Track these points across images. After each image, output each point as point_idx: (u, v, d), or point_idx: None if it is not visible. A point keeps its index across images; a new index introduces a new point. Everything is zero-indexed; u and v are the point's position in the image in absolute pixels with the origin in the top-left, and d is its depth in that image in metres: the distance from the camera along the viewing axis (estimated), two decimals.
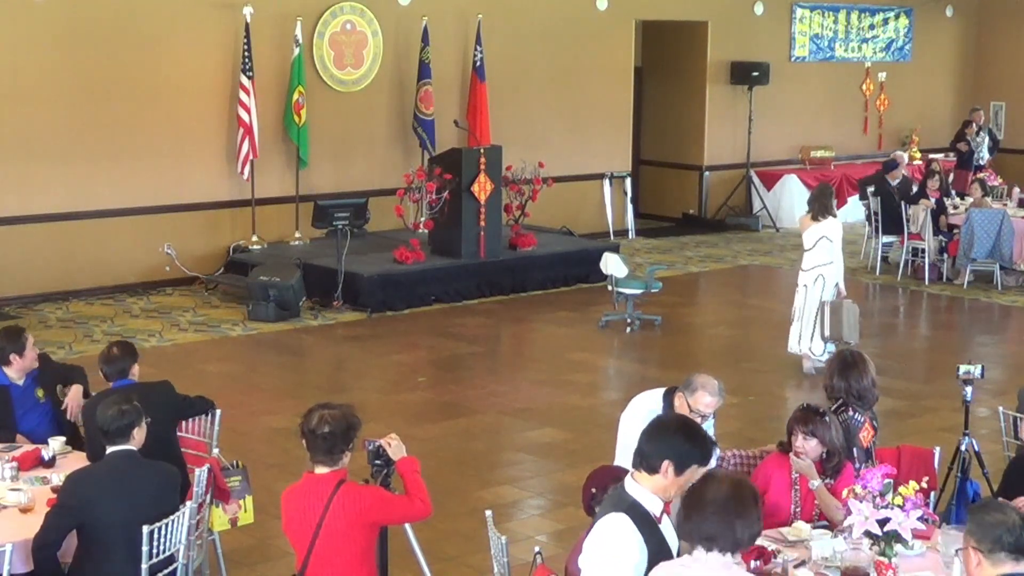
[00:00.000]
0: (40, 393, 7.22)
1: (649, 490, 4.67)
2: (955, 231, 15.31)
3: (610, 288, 13.09)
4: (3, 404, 7.08)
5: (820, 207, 11.37)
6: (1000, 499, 4.52)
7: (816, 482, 6.02)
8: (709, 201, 19.57)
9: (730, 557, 4.43)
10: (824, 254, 11.36)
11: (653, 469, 4.65)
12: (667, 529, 4.73)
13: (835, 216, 11.44)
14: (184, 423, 7.00)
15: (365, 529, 5.23)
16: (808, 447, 6.04)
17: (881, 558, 5.28)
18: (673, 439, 4.71)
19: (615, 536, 4.57)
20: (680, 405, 6.49)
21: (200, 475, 6.23)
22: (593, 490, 5.22)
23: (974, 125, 19.19)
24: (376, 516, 5.27)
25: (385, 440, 5.55)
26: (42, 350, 7.57)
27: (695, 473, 4.68)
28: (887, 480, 5.57)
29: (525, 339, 13.40)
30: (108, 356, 6.81)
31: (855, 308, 11.22)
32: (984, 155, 19.20)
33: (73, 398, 7.19)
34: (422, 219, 14.25)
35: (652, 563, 4.54)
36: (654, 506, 4.67)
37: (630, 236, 18.32)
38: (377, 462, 5.53)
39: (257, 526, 6.85)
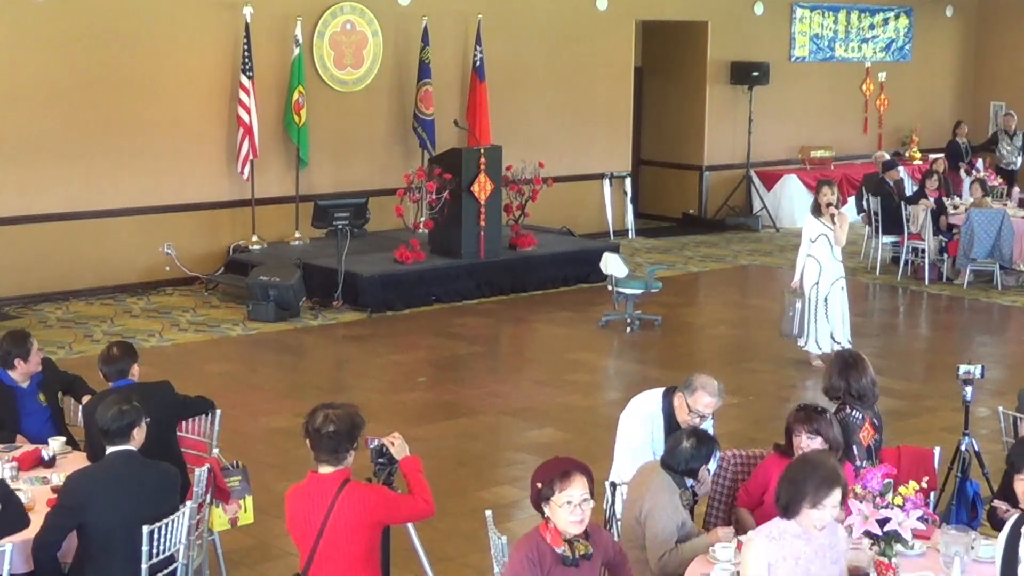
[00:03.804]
0: (42, 397, 7.24)
1: None
2: (955, 231, 15.31)
3: (610, 288, 13.09)
4: (8, 404, 7.09)
5: None
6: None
7: None
8: (709, 201, 19.57)
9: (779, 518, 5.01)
10: None
11: None
12: None
13: (813, 214, 11.49)
14: (184, 423, 7.00)
15: (369, 528, 5.24)
16: (813, 447, 6.03)
17: (881, 558, 5.29)
18: None
19: None
20: (679, 405, 6.50)
21: (200, 475, 6.23)
22: (539, 484, 4.94)
23: (1004, 130, 19.28)
24: (381, 515, 5.27)
25: (388, 439, 5.55)
26: (42, 352, 7.57)
27: None
28: (887, 480, 5.57)
29: (525, 339, 13.40)
30: (108, 356, 6.81)
31: (789, 301, 11.56)
32: (1017, 161, 19.17)
33: None
34: (422, 219, 14.25)
35: None
36: None
37: (630, 236, 18.32)
38: (380, 460, 5.54)
39: (257, 526, 6.85)
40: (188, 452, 6.86)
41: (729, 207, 19.52)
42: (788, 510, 4.99)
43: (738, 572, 5.34)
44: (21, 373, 7.15)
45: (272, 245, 14.93)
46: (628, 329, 12.97)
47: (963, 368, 7.42)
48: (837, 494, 4.98)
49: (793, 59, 20.27)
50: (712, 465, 6.20)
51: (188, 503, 5.88)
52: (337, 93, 15.49)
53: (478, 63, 16.18)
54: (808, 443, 6.04)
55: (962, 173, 18.93)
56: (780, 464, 6.17)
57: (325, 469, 5.25)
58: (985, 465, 7.68)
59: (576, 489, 4.88)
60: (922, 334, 14.07)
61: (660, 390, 6.72)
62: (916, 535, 5.55)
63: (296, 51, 14.78)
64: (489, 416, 10.28)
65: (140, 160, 14.15)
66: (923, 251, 15.44)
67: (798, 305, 11.41)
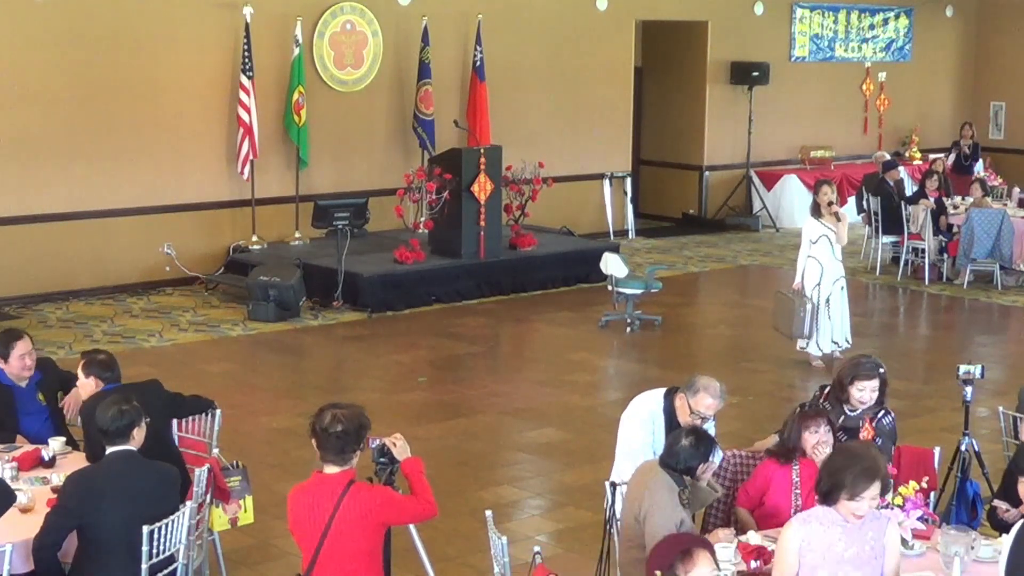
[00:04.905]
0: (41, 397, 7.21)
1: None
2: (955, 231, 15.31)
3: (610, 288, 13.09)
4: (7, 403, 7.07)
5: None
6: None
7: None
8: (709, 201, 19.57)
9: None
10: None
11: None
12: None
13: (813, 215, 11.49)
14: (184, 423, 7.00)
15: (374, 529, 5.24)
16: (826, 439, 6.09)
17: None
18: None
19: None
20: (681, 406, 6.50)
21: (200, 475, 6.23)
22: (658, 573, 4.44)
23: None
24: (385, 516, 5.28)
25: (390, 440, 5.55)
26: (42, 352, 7.55)
27: None
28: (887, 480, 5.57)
29: (525, 339, 13.40)
30: (107, 362, 6.74)
31: (785, 301, 11.56)
32: None
33: (73, 397, 7.15)
34: (422, 219, 14.25)
35: None
36: None
37: (630, 236, 18.32)
38: (382, 460, 5.54)
39: (257, 526, 6.85)
40: (188, 452, 6.86)
41: (729, 207, 19.52)
42: (827, 498, 5.01)
43: (738, 572, 5.35)
44: (10, 373, 7.12)
45: (272, 245, 14.93)
46: (628, 329, 12.97)
47: (963, 368, 7.42)
48: (876, 487, 4.96)
49: (793, 59, 20.27)
50: (715, 465, 6.20)
51: (188, 503, 5.88)
52: (337, 93, 15.49)
53: (478, 63, 16.18)
54: (827, 435, 6.09)
55: (950, 157, 18.95)
56: (778, 468, 6.20)
57: (331, 469, 5.25)
58: (985, 465, 7.68)
59: (703, 568, 4.49)
60: (922, 334, 14.07)
61: (661, 390, 6.71)
62: (916, 535, 5.56)
63: (296, 51, 14.78)
64: (489, 416, 10.28)
65: (140, 160, 14.15)
66: (923, 251, 15.44)
67: (808, 306, 11.37)
